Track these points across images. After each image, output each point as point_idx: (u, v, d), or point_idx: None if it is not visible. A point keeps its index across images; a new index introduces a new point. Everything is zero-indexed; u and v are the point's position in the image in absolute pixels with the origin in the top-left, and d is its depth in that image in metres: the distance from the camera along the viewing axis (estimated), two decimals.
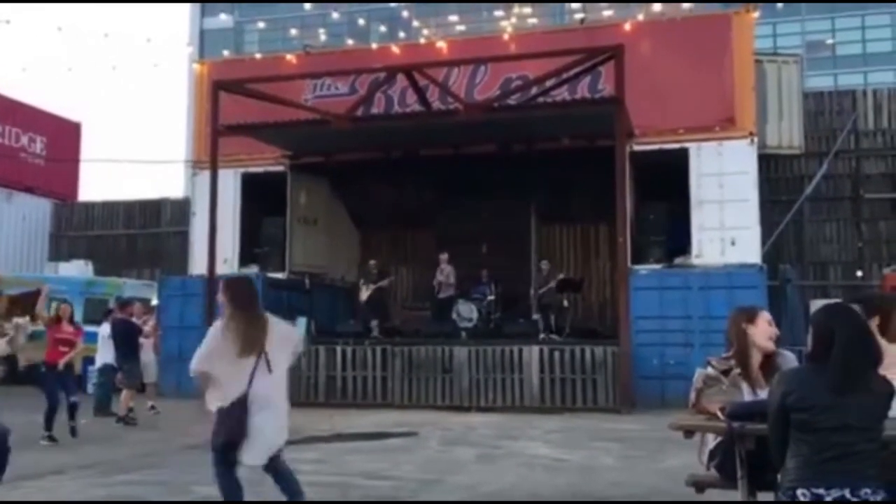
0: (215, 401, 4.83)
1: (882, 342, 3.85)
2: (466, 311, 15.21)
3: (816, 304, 3.99)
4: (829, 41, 41.45)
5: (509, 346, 13.29)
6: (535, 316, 15.77)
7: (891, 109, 17.96)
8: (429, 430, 10.60)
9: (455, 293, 15.77)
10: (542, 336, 14.24)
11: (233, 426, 4.69)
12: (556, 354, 13.04)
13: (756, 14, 15.40)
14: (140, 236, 22.69)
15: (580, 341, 13.48)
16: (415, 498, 6.74)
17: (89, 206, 23.68)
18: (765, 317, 4.10)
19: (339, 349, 13.86)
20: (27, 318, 11.48)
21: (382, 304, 16.17)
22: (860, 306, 4.15)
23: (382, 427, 11.01)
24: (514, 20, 41.81)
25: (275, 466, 4.90)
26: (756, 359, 4.05)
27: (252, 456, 4.78)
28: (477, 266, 16.21)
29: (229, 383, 4.78)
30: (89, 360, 13.94)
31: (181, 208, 21.12)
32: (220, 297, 5.02)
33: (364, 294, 15.74)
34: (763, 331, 4.06)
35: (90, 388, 13.83)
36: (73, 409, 9.92)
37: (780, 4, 38.48)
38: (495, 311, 15.81)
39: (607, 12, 40.89)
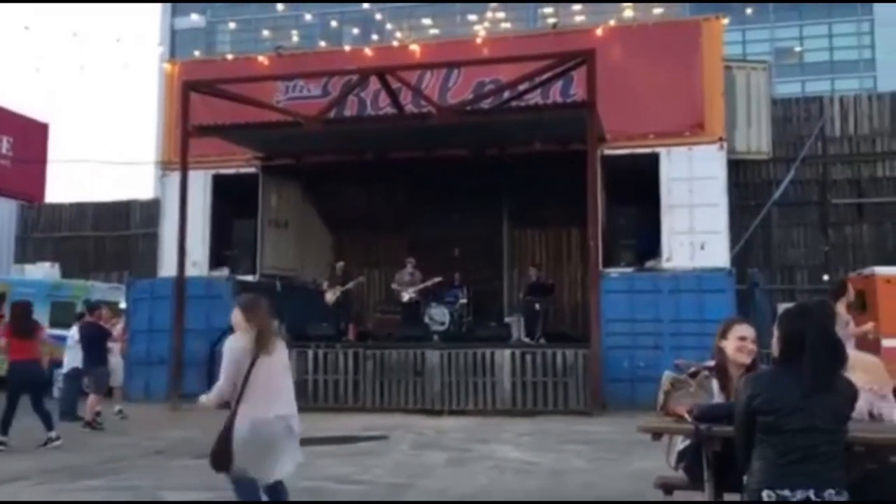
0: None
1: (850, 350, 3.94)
2: (439, 315, 15.20)
3: (783, 308, 4.00)
4: (798, 48, 42.12)
5: (481, 350, 13.30)
6: (508, 319, 15.82)
7: (857, 116, 18.26)
8: (400, 434, 10.57)
9: (414, 295, 15.68)
10: (536, 338, 14.30)
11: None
12: (528, 358, 13.07)
13: (725, 21, 15.60)
14: (108, 238, 22.40)
15: (551, 344, 13.53)
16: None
17: (56, 208, 23.34)
18: (737, 332, 4.09)
19: (310, 352, 13.78)
20: None
21: (347, 307, 16.09)
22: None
23: (353, 431, 10.96)
24: (487, 24, 42.08)
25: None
26: (734, 372, 4.06)
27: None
28: (449, 269, 16.20)
29: None
30: (56, 364, 13.74)
31: (150, 210, 20.89)
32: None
33: (330, 297, 15.64)
34: (732, 346, 4.08)
35: (56, 392, 13.63)
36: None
37: (748, 10, 39.07)
38: (467, 315, 15.82)
39: (579, 17, 41.30)
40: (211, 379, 12.69)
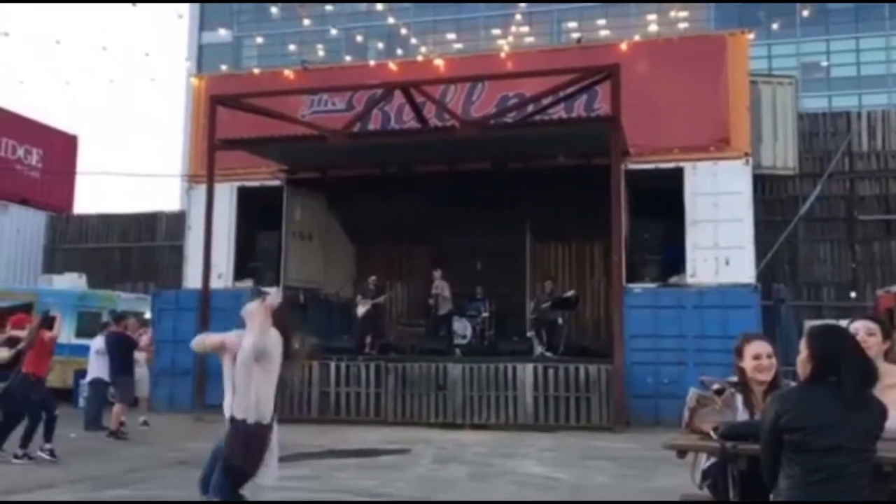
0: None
1: (882, 364, 3.88)
2: (461, 328, 15.21)
3: (810, 325, 3.94)
4: (824, 63, 41.79)
5: (503, 364, 13.27)
6: (529, 333, 15.78)
7: (885, 131, 18.05)
8: (421, 448, 10.56)
9: (452, 308, 15.78)
10: (541, 353, 14.24)
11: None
12: (550, 372, 13.02)
13: (751, 35, 15.52)
14: (134, 249, 22.64)
15: (574, 359, 13.47)
16: None
17: (84, 219, 23.63)
18: (750, 351, 4.03)
19: (332, 365, 13.82)
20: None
21: (377, 321, 16.15)
22: (879, 326, 4.15)
23: (375, 444, 10.97)
24: (511, 39, 42.19)
25: None
26: (757, 389, 4.02)
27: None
28: (472, 283, 16.20)
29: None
30: (81, 374, 13.88)
31: (176, 222, 21.09)
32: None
33: (361, 310, 15.72)
34: (749, 365, 4.04)
35: (81, 402, 13.76)
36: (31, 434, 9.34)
37: (775, 25, 38.85)
38: (490, 328, 15.80)
39: (604, 32, 41.33)
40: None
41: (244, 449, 4.46)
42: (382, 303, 16.19)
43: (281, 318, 4.66)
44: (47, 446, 9.23)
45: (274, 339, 4.56)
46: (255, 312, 4.54)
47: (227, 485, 4.52)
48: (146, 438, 11.60)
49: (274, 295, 4.58)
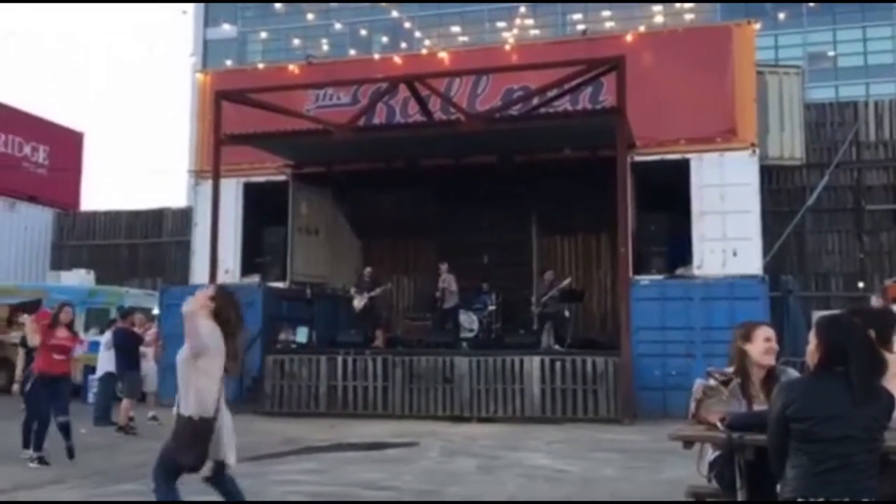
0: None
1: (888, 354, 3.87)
2: (467, 322, 15.21)
3: (818, 316, 3.97)
4: (831, 53, 41.55)
5: (510, 357, 13.26)
6: (537, 326, 15.75)
7: (892, 121, 17.95)
8: (429, 441, 10.57)
9: (459, 301, 15.76)
10: (545, 345, 14.23)
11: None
12: (557, 365, 13.00)
13: (757, 25, 15.45)
14: (142, 246, 22.72)
15: (581, 352, 13.45)
16: None
17: (91, 216, 23.72)
18: (762, 333, 4.08)
19: (339, 359, 13.83)
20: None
21: (375, 314, 16.12)
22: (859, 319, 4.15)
23: (382, 437, 10.98)
24: (515, 31, 42.10)
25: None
26: (757, 375, 4.04)
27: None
28: (478, 276, 16.19)
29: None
30: (90, 370, 13.95)
31: (183, 218, 21.15)
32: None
33: (358, 303, 15.67)
34: (759, 348, 4.05)
35: (91, 398, 13.82)
36: (65, 430, 8.90)
37: (781, 15, 38.64)
38: (496, 322, 15.79)
39: (609, 24, 41.18)
40: (241, 383, 12.80)
41: (188, 445, 4.73)
42: (379, 295, 16.07)
43: (221, 310, 4.67)
44: (25, 454, 8.70)
45: (213, 332, 4.60)
46: (190, 314, 4.57)
47: (162, 474, 4.88)
48: (155, 433, 11.62)
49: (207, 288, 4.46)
